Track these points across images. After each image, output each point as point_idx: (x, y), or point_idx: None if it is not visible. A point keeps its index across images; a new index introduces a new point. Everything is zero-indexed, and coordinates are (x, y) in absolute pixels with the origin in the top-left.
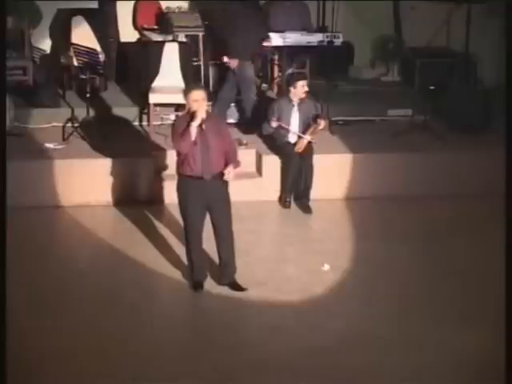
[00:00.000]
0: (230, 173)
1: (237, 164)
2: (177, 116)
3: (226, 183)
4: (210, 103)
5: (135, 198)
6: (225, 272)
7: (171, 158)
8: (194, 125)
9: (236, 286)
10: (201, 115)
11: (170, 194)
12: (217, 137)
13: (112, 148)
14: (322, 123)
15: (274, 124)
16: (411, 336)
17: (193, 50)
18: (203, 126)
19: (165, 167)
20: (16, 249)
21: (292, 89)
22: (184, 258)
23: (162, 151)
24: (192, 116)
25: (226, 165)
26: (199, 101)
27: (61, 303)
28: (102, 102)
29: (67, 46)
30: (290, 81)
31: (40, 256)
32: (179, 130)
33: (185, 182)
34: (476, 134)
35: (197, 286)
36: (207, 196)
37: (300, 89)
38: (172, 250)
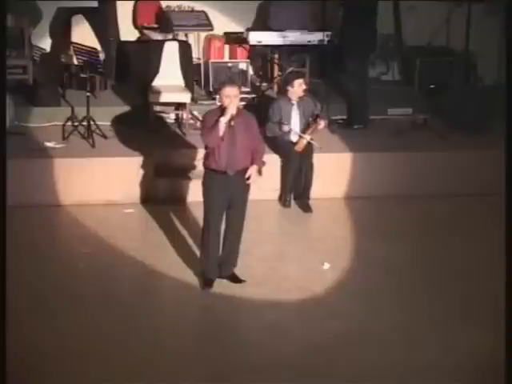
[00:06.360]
0: (252, 173)
1: (262, 163)
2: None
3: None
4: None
5: (135, 197)
6: (225, 265)
7: (171, 157)
8: (223, 121)
9: (235, 279)
10: (231, 112)
11: (170, 193)
12: (245, 134)
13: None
14: (322, 123)
15: (287, 128)
16: (411, 335)
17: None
18: (232, 123)
19: (164, 166)
20: (16, 248)
21: (290, 88)
22: (183, 258)
23: (161, 150)
24: (223, 111)
25: (252, 162)
26: (231, 97)
27: (61, 303)
28: (101, 101)
29: (67, 45)
30: (288, 80)
31: (40, 255)
32: (208, 123)
33: (209, 175)
34: (476, 133)
35: (208, 283)
36: (229, 191)
37: (298, 88)
38: (172, 249)
